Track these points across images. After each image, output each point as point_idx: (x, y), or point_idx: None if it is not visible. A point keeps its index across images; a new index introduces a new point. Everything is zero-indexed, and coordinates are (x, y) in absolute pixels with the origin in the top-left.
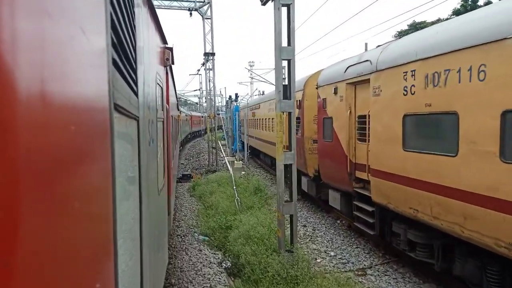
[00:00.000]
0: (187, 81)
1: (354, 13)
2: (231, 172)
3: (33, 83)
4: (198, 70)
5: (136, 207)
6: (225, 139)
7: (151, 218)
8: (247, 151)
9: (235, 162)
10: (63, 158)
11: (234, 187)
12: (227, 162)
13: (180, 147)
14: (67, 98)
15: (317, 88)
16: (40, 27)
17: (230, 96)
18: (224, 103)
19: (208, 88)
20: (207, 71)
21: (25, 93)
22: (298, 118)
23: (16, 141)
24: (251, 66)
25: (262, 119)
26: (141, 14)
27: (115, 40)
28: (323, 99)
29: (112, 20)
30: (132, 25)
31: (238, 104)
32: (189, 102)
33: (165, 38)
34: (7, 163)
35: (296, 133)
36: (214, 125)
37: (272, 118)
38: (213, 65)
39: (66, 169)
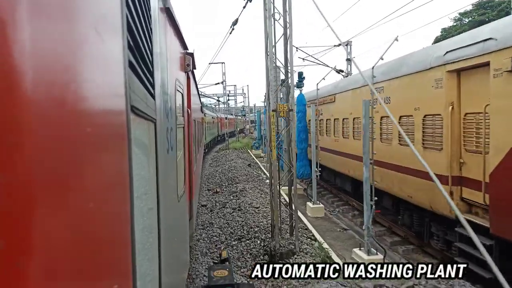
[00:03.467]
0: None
1: None
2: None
3: (48, 84)
4: (231, 31)
5: (154, 211)
6: (257, 147)
7: (170, 224)
8: (373, 199)
9: (311, 205)
10: (79, 160)
11: None
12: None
13: (205, 149)
14: (83, 100)
15: None
16: (56, 29)
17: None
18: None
19: (272, 53)
20: (269, 16)
21: (41, 95)
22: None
23: (32, 143)
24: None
25: (347, 119)
26: (158, 18)
27: (131, 42)
28: None
29: (128, 22)
30: (149, 28)
31: (317, 89)
32: (209, 104)
33: (185, 44)
34: (24, 164)
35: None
36: (289, 134)
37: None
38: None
39: (83, 171)
